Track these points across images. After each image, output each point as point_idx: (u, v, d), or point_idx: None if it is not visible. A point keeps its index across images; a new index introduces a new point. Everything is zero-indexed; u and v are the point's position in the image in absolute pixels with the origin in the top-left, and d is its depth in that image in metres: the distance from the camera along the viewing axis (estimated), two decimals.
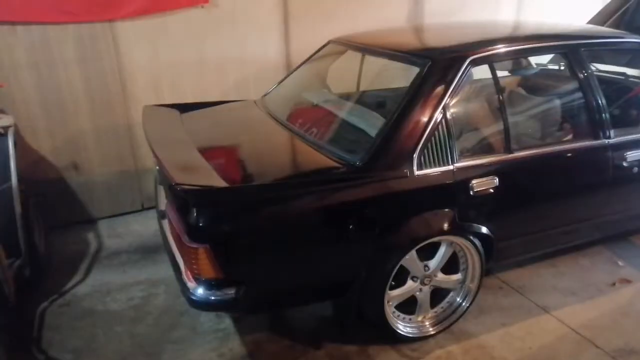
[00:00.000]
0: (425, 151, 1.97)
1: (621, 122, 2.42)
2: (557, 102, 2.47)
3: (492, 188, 2.06)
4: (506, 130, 2.13)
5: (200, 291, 1.80)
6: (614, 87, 2.85)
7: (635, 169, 2.32)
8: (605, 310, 2.38)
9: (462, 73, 2.04)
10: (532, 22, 3.28)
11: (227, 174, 1.93)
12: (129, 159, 3.31)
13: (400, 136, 1.97)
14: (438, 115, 1.99)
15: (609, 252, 2.84)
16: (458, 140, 2.10)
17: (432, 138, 1.98)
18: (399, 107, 2.01)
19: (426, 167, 1.97)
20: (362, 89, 2.76)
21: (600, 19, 3.49)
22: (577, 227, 2.45)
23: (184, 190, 1.70)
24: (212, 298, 1.79)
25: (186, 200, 1.71)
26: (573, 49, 2.28)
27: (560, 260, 2.75)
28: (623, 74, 3.03)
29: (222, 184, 1.80)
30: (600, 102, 2.27)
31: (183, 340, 2.24)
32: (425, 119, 1.98)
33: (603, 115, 2.27)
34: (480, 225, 2.11)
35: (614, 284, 2.56)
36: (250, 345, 2.20)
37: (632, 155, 2.30)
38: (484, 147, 2.21)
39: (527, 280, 2.59)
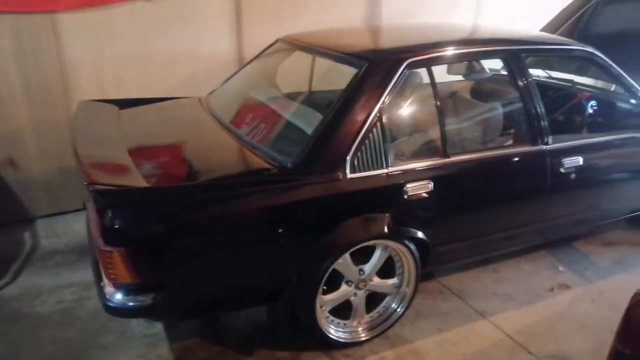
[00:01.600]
0: (359, 154, 1.93)
1: (561, 129, 2.44)
2: (497, 108, 2.48)
3: (426, 192, 2.04)
4: (443, 134, 2.11)
5: (117, 297, 1.72)
6: (557, 94, 2.88)
7: (573, 175, 2.34)
8: (542, 316, 2.39)
9: (399, 76, 2.02)
10: (479, 26, 3.29)
11: (151, 174, 1.87)
12: (70, 156, 3.17)
13: (333, 139, 1.94)
14: (373, 119, 1.95)
15: (552, 257, 2.86)
16: (393, 144, 2.08)
17: (367, 141, 1.95)
18: (333, 109, 1.98)
19: (360, 171, 1.94)
20: (306, 89, 2.72)
21: (554, 25, 3.53)
22: (517, 232, 2.45)
23: (97, 190, 1.62)
24: (130, 304, 1.71)
25: (99, 200, 1.63)
26: (513, 54, 2.28)
27: (502, 265, 2.76)
28: (571, 81, 3.06)
29: (142, 184, 1.73)
30: (538, 108, 2.27)
31: (110, 345, 2.15)
32: (359, 121, 1.94)
33: (541, 121, 2.27)
34: (415, 230, 2.08)
35: (552, 290, 2.58)
36: (179, 352, 2.13)
37: (569, 161, 2.31)
38: (420, 152, 2.20)
39: (468, 285, 2.59)
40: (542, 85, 2.40)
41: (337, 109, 1.97)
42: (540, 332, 2.29)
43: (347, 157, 1.91)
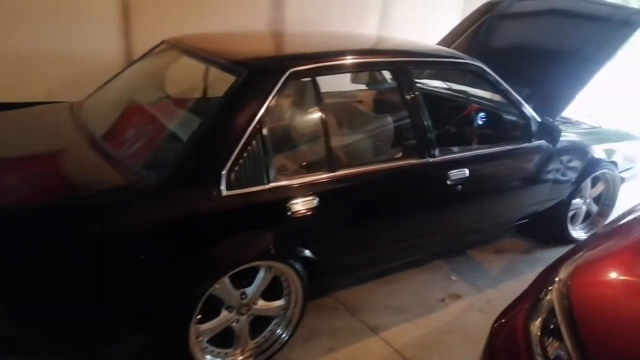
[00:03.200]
0: (237, 169, 1.79)
1: (448, 141, 2.46)
2: (386, 120, 2.45)
3: (311, 209, 1.94)
4: (329, 148, 2.03)
5: None
6: (445, 106, 2.93)
7: (459, 187, 2.35)
8: (432, 328, 2.39)
9: (281, 86, 1.90)
10: (376, 37, 3.29)
11: None
12: None
13: (206, 153, 1.78)
14: (252, 131, 1.82)
15: (447, 267, 2.90)
16: (275, 158, 1.96)
17: (245, 155, 1.81)
18: (206, 122, 1.82)
19: (237, 187, 1.79)
20: (186, 97, 2.52)
21: (450, 38, 3.63)
22: (408, 245, 2.44)
23: None
24: None
25: None
26: (400, 66, 2.26)
27: (398, 277, 2.74)
28: (461, 93, 3.13)
29: None
30: (426, 121, 2.26)
31: None
32: (236, 134, 1.80)
33: (428, 134, 2.26)
34: (301, 248, 1.98)
35: (443, 300, 2.60)
36: None
37: (455, 173, 2.33)
38: (304, 166, 2.10)
39: (363, 299, 2.54)
40: (430, 98, 2.41)
41: (211, 121, 1.83)
42: (429, 345, 2.28)
43: (223, 172, 1.76)
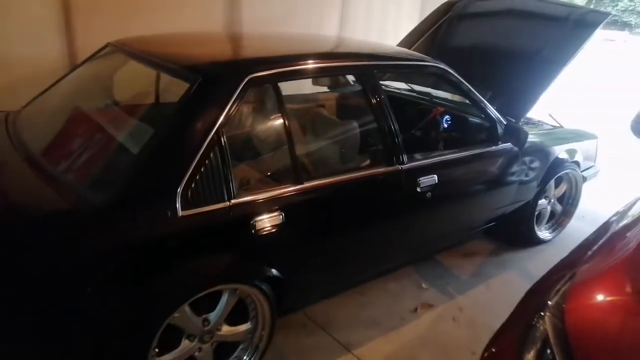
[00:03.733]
0: (194, 186, 1.63)
1: (416, 147, 2.38)
2: (352, 126, 2.34)
3: (277, 225, 1.80)
4: (294, 159, 1.89)
5: None
6: (412, 111, 2.86)
7: (429, 194, 2.28)
8: (405, 341, 2.31)
9: (239, 93, 1.75)
10: (335, 38, 3.18)
11: None
12: None
13: (159, 169, 1.61)
14: (209, 143, 1.66)
15: (417, 274, 2.83)
16: (236, 172, 1.81)
17: (202, 170, 1.65)
18: (157, 134, 1.65)
19: (195, 206, 1.63)
20: (134, 106, 2.32)
21: (411, 39, 3.57)
22: (380, 255, 2.35)
23: None
24: None
25: None
26: (365, 70, 2.16)
27: (369, 287, 2.64)
28: (426, 95, 3.07)
29: None
30: (392, 126, 2.16)
31: None
32: (191, 148, 1.64)
33: (396, 140, 2.17)
34: (267, 268, 1.84)
35: (415, 310, 2.52)
36: None
37: (425, 180, 2.25)
38: (268, 179, 1.96)
39: (334, 314, 2.42)
40: (395, 101, 2.30)
41: (163, 135, 1.65)
42: None
43: (178, 190, 1.60)
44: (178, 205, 1.59)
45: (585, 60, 3.99)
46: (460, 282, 2.81)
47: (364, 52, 2.39)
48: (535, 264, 3.01)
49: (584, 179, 3.32)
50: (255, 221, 1.75)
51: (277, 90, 1.89)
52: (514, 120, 2.62)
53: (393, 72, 2.82)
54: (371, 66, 2.17)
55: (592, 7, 17.70)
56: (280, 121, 1.93)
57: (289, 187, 1.86)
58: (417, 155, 2.28)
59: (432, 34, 3.58)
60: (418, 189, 2.23)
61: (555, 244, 3.28)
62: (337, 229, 2.06)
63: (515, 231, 3.15)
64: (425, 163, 2.29)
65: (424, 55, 2.62)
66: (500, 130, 2.59)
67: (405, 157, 2.19)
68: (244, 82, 1.76)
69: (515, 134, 2.53)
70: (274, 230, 1.79)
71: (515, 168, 2.73)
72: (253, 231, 1.75)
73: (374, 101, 2.14)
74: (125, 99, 2.29)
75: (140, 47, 2.13)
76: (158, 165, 1.61)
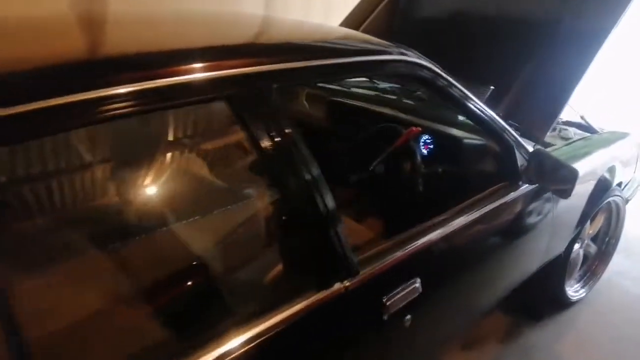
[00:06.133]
0: None
1: (375, 225, 1.25)
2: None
3: None
4: None
5: None
6: (360, 139, 1.69)
7: (408, 317, 1.14)
8: None
9: None
10: (262, 22, 1.89)
11: None
12: None
13: None
14: None
15: None
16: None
17: None
18: None
19: None
20: None
21: (358, 15, 2.38)
22: None
23: None
24: None
25: None
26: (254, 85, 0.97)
27: None
28: (390, 102, 1.91)
29: None
30: (324, 195, 0.99)
31: None
32: None
33: (336, 228, 1.00)
34: None
35: None
36: None
37: (396, 296, 1.10)
38: None
39: None
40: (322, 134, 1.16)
41: None
42: None
43: None
44: None
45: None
46: None
47: (288, 44, 1.15)
48: (568, 348, 1.95)
49: (627, 201, 2.27)
50: None
51: None
52: (544, 148, 1.51)
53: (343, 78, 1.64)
54: (271, 74, 0.96)
55: None
56: None
57: None
58: (377, 246, 1.13)
59: (387, 7, 2.41)
60: (385, 317, 1.09)
61: (590, 304, 2.24)
62: None
63: (539, 294, 2.08)
64: (395, 260, 1.13)
65: (380, 41, 1.40)
66: (521, 160, 1.48)
67: (353, 261, 1.04)
68: None
69: (550, 171, 1.41)
70: None
71: (545, 218, 1.64)
72: None
73: (270, 144, 0.94)
74: None
75: None
76: None
